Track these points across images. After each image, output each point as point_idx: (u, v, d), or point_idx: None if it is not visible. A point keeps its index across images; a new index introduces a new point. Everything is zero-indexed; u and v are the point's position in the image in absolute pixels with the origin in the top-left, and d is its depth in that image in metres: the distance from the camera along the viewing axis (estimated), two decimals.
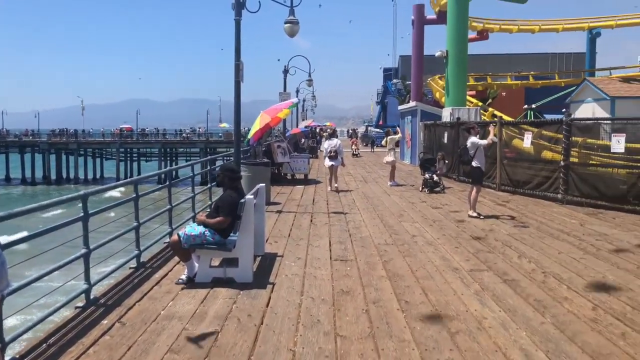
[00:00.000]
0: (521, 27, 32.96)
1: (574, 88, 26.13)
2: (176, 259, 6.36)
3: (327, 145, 14.70)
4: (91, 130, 67.41)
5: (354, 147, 32.83)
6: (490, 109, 26.49)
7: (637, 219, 9.63)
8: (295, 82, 56.73)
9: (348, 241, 7.94)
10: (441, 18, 24.78)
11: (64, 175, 52.35)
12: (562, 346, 4.11)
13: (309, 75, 28.63)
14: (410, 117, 25.26)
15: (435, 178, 14.04)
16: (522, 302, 5.16)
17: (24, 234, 4.26)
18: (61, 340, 4.26)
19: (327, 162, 14.28)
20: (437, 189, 13.91)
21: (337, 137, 15.43)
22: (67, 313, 4.94)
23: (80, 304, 4.98)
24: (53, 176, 51.17)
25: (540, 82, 34.14)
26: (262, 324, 4.60)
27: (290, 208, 11.18)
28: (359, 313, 4.84)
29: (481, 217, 9.86)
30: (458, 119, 17.73)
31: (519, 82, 34.46)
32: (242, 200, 5.78)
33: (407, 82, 51.35)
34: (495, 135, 11.91)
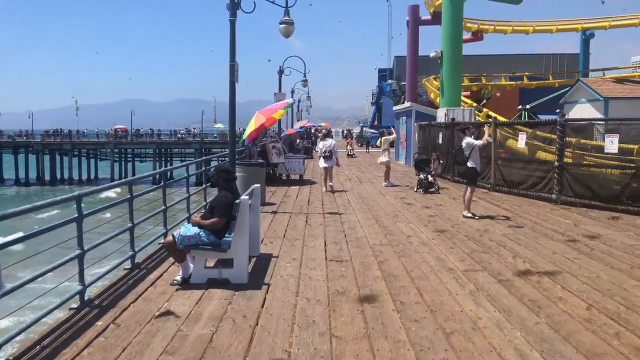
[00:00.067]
0: (515, 28, 33.09)
1: (568, 89, 26.25)
2: (171, 260, 6.35)
3: (321, 145, 14.71)
4: (85, 131, 67.18)
5: (349, 147, 32.84)
6: (485, 110, 26.58)
7: (631, 219, 9.69)
8: (290, 82, 56.64)
9: (343, 242, 7.95)
10: (436, 19, 24.85)
11: (58, 176, 52.16)
12: (557, 346, 4.13)
13: (304, 76, 28.64)
14: (405, 117, 25.30)
15: (430, 178, 14.07)
16: (516, 302, 5.17)
17: (18, 235, 4.23)
18: (55, 341, 4.23)
19: (322, 163, 14.28)
20: (432, 189, 13.94)
21: (332, 137, 15.45)
22: (61, 314, 4.92)
23: (74, 305, 4.96)
24: (47, 177, 50.98)
25: (534, 82, 34.29)
26: (257, 324, 4.60)
27: (285, 209, 11.18)
28: (354, 314, 4.85)
29: (476, 217, 9.89)
30: (453, 119, 17.78)
31: (513, 82, 34.58)
32: (237, 201, 5.77)
33: (402, 83, 51.40)
34: (490, 135, 11.96)
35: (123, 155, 55.59)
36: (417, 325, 4.56)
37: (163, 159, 55.46)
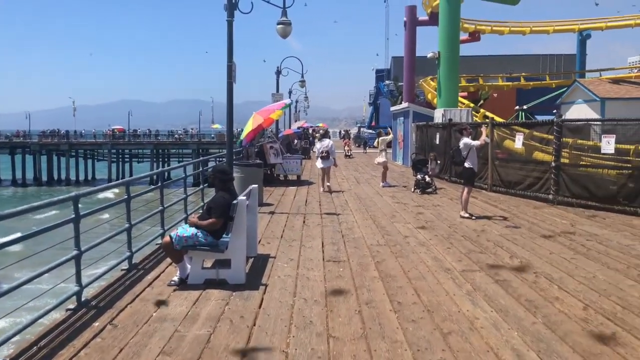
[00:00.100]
0: (512, 28, 33.14)
1: (564, 89, 26.32)
2: (168, 260, 6.34)
3: (319, 146, 14.70)
4: (83, 132, 67.01)
5: (346, 148, 32.83)
6: (482, 110, 26.63)
7: (627, 219, 9.72)
8: (287, 83, 56.81)
9: (341, 242, 7.95)
10: (433, 19, 24.86)
11: (55, 176, 51.97)
12: (554, 346, 4.14)
13: (302, 77, 28.66)
14: (402, 118, 25.33)
15: (428, 179, 14.08)
16: (513, 302, 5.19)
17: (15, 235, 4.22)
18: (52, 342, 4.23)
19: (319, 163, 14.28)
20: (429, 189, 13.95)
21: (329, 138, 15.44)
22: (58, 315, 4.91)
23: (71, 306, 4.95)
24: (44, 177, 50.81)
25: (531, 83, 34.35)
26: (254, 325, 4.60)
27: (282, 209, 11.18)
28: (352, 314, 4.85)
29: (473, 217, 9.91)
30: (450, 120, 17.80)
31: (510, 83, 34.65)
32: (235, 202, 5.77)
33: (400, 84, 51.50)
34: (487, 136, 11.98)
35: (120, 156, 55.53)
36: (414, 325, 4.57)
37: (160, 159, 55.40)
